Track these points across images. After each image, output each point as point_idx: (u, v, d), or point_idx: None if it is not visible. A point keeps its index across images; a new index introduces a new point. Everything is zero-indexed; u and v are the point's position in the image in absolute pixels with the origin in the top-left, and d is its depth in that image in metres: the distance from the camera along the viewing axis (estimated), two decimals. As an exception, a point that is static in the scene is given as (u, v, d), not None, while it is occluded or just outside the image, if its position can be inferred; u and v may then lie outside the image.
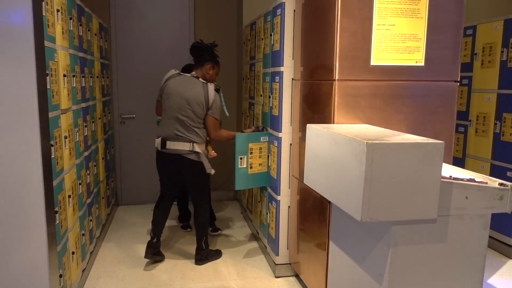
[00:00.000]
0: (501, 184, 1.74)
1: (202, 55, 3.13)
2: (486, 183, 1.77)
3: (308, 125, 2.10)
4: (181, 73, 3.17)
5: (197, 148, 3.05)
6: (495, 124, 3.51)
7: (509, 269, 3.24)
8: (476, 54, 3.73)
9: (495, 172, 3.49)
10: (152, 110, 4.60)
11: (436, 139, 1.73)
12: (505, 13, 4.00)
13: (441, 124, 2.30)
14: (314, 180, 2.03)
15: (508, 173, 3.39)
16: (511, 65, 3.36)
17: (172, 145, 3.05)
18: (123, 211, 4.55)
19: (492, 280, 3.04)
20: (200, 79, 3.10)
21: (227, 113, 3.23)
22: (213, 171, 3.11)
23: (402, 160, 1.58)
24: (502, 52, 3.44)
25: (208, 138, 3.19)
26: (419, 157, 1.59)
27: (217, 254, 3.39)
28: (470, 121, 3.80)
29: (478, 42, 3.71)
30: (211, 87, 3.05)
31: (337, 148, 1.77)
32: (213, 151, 3.23)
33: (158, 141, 3.11)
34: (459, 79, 2.29)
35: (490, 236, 3.60)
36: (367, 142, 1.53)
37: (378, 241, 1.74)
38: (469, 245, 1.75)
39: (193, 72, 3.15)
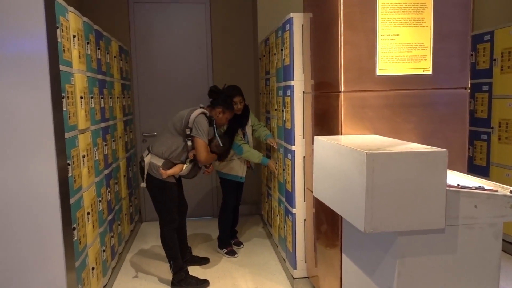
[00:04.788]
0: (512, 192, 1.70)
1: (215, 99, 3.28)
2: (497, 191, 1.72)
3: (315, 137, 2.11)
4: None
5: (148, 158, 3.06)
6: (518, 130, 3.41)
7: (540, 281, 3.09)
8: (495, 59, 3.65)
9: (520, 180, 3.37)
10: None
11: (448, 147, 1.71)
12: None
13: (453, 132, 2.26)
14: (322, 192, 2.03)
15: (534, 181, 3.26)
16: (532, 69, 3.26)
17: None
18: (146, 227, 4.64)
19: (520, 293, 2.91)
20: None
21: (220, 143, 3.20)
22: (143, 185, 3.08)
23: (404, 170, 1.56)
24: (521, 56, 3.35)
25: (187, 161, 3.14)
26: (421, 166, 1.57)
27: (198, 285, 3.14)
28: (492, 128, 3.70)
29: (496, 48, 3.63)
30: (197, 111, 3.08)
31: (341, 159, 1.77)
32: (169, 171, 3.03)
33: None
34: (469, 86, 2.25)
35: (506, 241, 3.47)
36: (366, 152, 1.53)
37: (385, 252, 1.72)
38: (480, 256, 1.70)
39: (203, 106, 3.23)
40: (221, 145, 3.21)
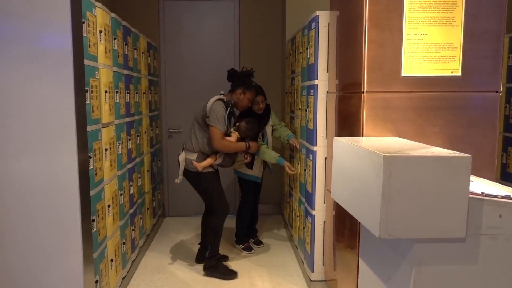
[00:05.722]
0: (541, 202, 1.59)
1: (235, 82, 3.28)
2: (525, 201, 1.62)
3: (334, 138, 2.06)
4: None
5: (182, 155, 3.20)
6: (557, 138, 3.22)
7: None
8: (534, 62, 3.46)
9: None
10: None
11: (476, 153, 1.63)
12: None
13: (482, 138, 2.15)
14: (340, 194, 1.98)
15: None
16: None
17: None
18: (169, 222, 4.69)
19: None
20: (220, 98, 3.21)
21: (231, 129, 3.20)
22: (177, 181, 3.24)
23: (423, 175, 1.50)
24: (563, 60, 3.16)
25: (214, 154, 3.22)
26: (443, 172, 1.50)
27: (225, 274, 3.22)
28: (528, 135, 3.52)
29: (536, 50, 3.44)
30: (213, 98, 3.13)
31: (359, 161, 1.72)
32: (202, 163, 3.14)
33: None
34: (501, 89, 2.14)
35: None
36: (384, 155, 1.48)
37: (402, 259, 1.66)
38: (504, 268, 1.61)
39: (223, 92, 3.26)
40: (247, 126, 3.28)
